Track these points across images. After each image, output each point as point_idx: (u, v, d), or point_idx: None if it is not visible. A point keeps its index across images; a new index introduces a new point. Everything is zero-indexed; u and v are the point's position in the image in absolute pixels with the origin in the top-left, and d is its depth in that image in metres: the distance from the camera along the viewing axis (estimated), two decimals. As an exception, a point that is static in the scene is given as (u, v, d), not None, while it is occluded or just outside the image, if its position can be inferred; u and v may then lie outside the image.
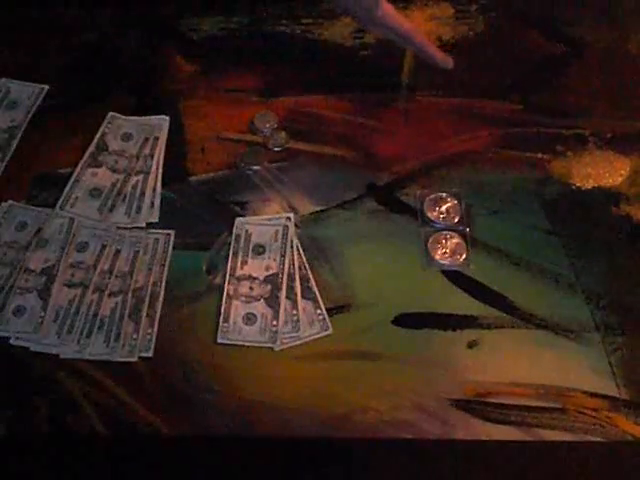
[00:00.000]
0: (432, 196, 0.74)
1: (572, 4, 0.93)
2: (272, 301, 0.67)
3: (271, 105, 0.83)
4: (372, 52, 0.88)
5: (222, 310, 0.66)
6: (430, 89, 0.84)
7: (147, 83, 0.86)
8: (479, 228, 0.72)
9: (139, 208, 0.74)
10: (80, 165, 0.77)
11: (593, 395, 0.62)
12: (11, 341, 0.65)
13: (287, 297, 0.67)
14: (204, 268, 0.70)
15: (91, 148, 0.78)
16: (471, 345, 0.65)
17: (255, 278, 0.68)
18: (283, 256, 0.69)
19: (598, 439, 0.59)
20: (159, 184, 0.76)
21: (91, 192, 0.75)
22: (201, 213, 0.74)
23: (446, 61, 0.80)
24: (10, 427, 0.61)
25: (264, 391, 0.62)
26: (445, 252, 0.70)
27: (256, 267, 0.69)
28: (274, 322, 0.65)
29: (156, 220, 0.73)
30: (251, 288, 0.68)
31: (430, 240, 0.71)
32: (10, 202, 0.74)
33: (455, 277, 0.69)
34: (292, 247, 0.70)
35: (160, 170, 0.77)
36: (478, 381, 0.63)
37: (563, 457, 0.60)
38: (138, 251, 0.70)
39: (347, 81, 0.85)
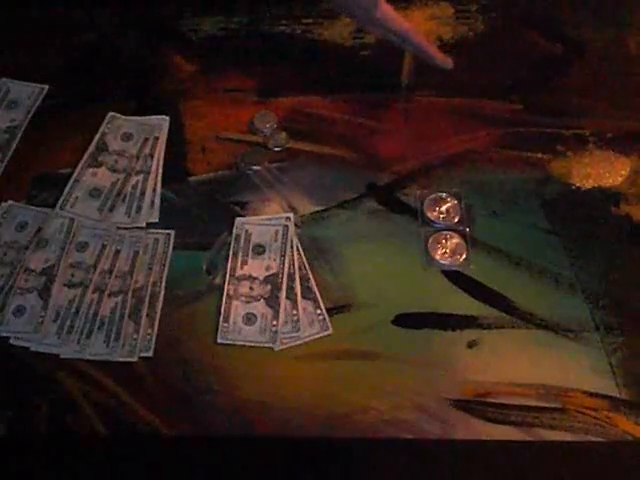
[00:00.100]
0: (432, 196, 0.74)
1: (572, 4, 0.93)
2: (272, 301, 0.67)
3: (271, 105, 0.83)
4: (372, 52, 0.88)
5: (222, 310, 0.66)
6: (430, 89, 0.84)
7: (147, 83, 0.86)
8: (479, 228, 0.72)
9: (139, 208, 0.74)
10: (80, 165, 0.77)
11: (593, 395, 0.62)
12: (11, 341, 0.65)
13: (287, 297, 0.67)
14: (204, 268, 0.70)
15: (91, 148, 0.78)
16: (471, 345, 0.65)
17: (255, 278, 0.68)
18: (283, 256, 0.69)
19: (598, 439, 0.59)
20: (159, 184, 0.76)
21: (91, 192, 0.75)
22: (201, 213, 0.74)
23: (446, 62, 0.80)
24: (10, 427, 0.61)
25: (264, 391, 0.62)
26: (445, 252, 0.70)
27: (256, 267, 0.69)
28: (274, 322, 0.65)
29: (156, 220, 0.73)
30: (251, 288, 0.68)
31: (430, 240, 0.71)
32: (10, 202, 0.74)
33: (455, 277, 0.69)
34: (292, 247, 0.70)
35: (160, 170, 0.77)
36: (478, 381, 0.63)
37: (563, 457, 0.60)
38: (138, 251, 0.70)
39: (347, 81, 0.85)
